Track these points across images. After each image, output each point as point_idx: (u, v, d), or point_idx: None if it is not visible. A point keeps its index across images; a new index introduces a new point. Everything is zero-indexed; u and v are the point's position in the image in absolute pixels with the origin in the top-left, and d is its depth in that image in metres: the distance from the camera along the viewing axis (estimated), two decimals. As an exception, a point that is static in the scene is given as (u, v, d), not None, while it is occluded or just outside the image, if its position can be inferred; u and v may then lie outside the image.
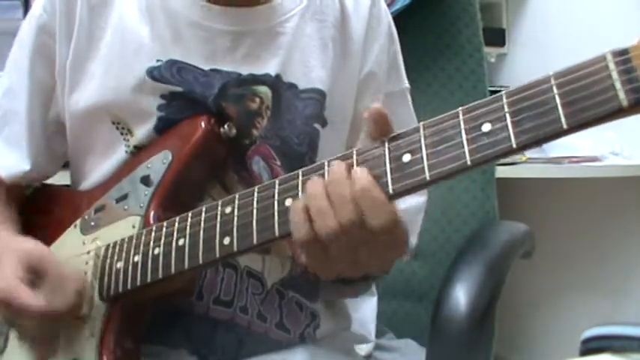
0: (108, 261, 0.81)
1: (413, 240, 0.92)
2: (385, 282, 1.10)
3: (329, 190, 0.62)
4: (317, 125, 0.89)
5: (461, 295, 0.93)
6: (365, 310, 1.04)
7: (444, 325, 0.93)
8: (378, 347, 1.08)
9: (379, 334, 1.13)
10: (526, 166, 1.71)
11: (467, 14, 1.30)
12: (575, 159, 1.79)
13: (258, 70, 0.87)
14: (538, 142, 0.56)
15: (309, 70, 0.89)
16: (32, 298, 0.76)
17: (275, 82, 0.87)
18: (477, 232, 1.21)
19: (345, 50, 0.91)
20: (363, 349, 1.04)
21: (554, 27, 2.12)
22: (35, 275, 0.79)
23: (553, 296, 2.10)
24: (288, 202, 0.67)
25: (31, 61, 0.92)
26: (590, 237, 2.00)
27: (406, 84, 0.98)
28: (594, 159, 1.81)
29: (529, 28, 2.19)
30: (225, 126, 0.84)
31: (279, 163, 0.87)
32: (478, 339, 0.93)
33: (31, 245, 0.82)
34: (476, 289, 0.94)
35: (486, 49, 1.36)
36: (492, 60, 2.16)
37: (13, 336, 0.87)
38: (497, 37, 2.17)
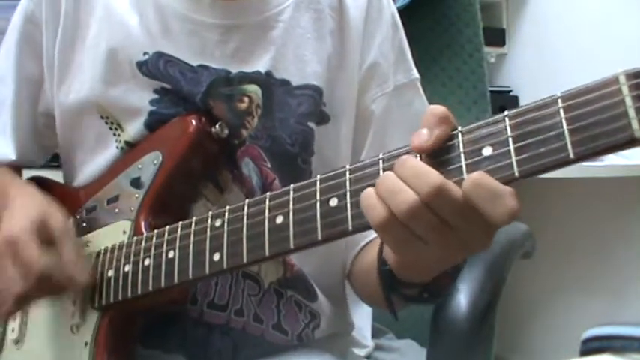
0: (99, 268, 0.80)
1: None
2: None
3: (398, 173, 0.55)
4: (311, 124, 0.85)
5: (461, 295, 0.93)
6: (360, 315, 1.04)
7: (444, 325, 0.92)
8: (378, 347, 1.08)
9: (379, 334, 1.12)
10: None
11: (467, 14, 1.30)
12: (575, 159, 1.78)
13: (248, 67, 0.84)
14: (542, 172, 0.51)
15: (304, 65, 0.86)
16: (40, 257, 0.73)
17: (265, 80, 0.84)
18: (477, 232, 1.20)
19: (343, 41, 0.88)
20: (362, 350, 1.03)
21: (554, 27, 2.12)
22: (49, 238, 0.76)
23: (553, 296, 2.11)
24: (279, 219, 0.64)
25: (18, 50, 0.91)
26: (590, 237, 2.00)
27: (415, 74, 0.93)
28: (594, 159, 1.81)
29: (529, 28, 2.19)
30: (217, 126, 0.82)
31: (269, 165, 0.85)
32: (478, 339, 0.93)
33: (54, 211, 0.79)
34: (476, 289, 0.94)
35: (486, 49, 1.36)
36: (492, 60, 2.16)
37: (9, 336, 0.87)
38: (497, 37, 2.17)
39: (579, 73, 2.05)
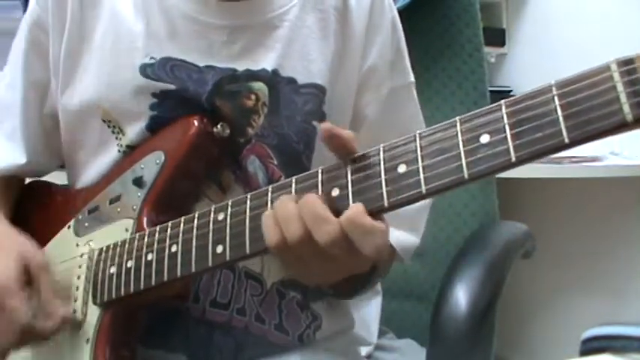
0: (101, 265, 0.81)
1: (417, 239, 0.91)
2: (385, 282, 1.10)
3: (298, 203, 0.63)
4: (315, 122, 0.86)
5: (461, 295, 0.93)
6: (369, 310, 1.03)
7: (444, 325, 0.92)
8: (378, 347, 1.08)
9: (379, 334, 1.12)
10: (526, 166, 1.70)
11: (467, 14, 1.30)
12: (575, 159, 1.79)
13: (255, 65, 0.85)
14: (538, 156, 0.53)
15: (309, 64, 0.86)
16: (23, 306, 0.76)
17: (272, 78, 0.85)
18: (477, 232, 1.21)
19: (345, 42, 0.88)
20: (363, 350, 1.03)
21: (554, 27, 2.12)
22: (29, 282, 0.78)
23: (553, 296, 2.10)
24: None
25: (25, 56, 0.92)
26: (590, 237, 2.00)
27: (411, 78, 0.94)
28: (594, 159, 1.81)
29: (529, 28, 2.19)
30: (219, 126, 0.82)
31: (275, 162, 0.85)
32: (478, 339, 0.93)
33: (32, 250, 0.81)
34: (476, 289, 0.94)
35: (486, 49, 1.35)
36: (492, 60, 2.16)
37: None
38: (497, 37, 2.17)
39: (579, 73, 2.05)
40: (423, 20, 1.32)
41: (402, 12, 0.96)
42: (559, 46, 2.07)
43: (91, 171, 0.89)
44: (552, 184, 1.93)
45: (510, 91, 2.14)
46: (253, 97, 0.84)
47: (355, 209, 0.60)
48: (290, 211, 0.62)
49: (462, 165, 0.56)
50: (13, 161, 0.92)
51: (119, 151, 0.87)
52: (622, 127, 0.50)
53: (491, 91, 1.32)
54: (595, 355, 0.47)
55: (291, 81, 0.85)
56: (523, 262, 1.10)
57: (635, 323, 0.48)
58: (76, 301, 0.82)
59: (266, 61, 0.85)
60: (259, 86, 0.84)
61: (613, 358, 0.47)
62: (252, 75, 0.84)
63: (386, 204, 0.60)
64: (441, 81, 1.32)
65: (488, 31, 1.44)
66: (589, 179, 1.82)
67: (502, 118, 0.55)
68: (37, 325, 0.76)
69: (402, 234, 0.86)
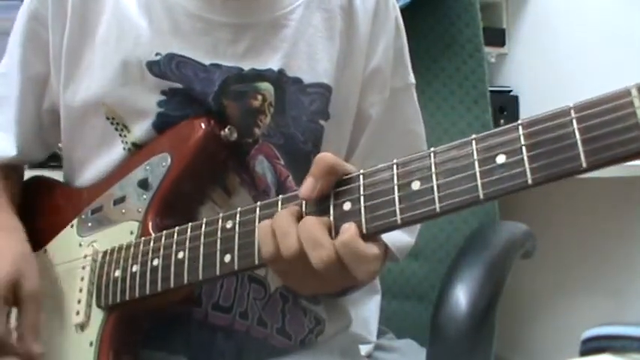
0: (105, 268, 0.80)
1: (412, 239, 0.92)
2: (385, 282, 1.10)
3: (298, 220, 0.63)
4: (322, 121, 0.86)
5: (461, 295, 0.93)
6: (368, 308, 1.03)
7: (444, 325, 0.92)
8: (378, 347, 1.07)
9: (379, 334, 1.12)
10: (526, 166, 1.71)
11: (467, 14, 1.30)
12: (575, 159, 1.78)
13: (261, 65, 0.84)
14: (555, 180, 0.53)
15: (316, 63, 0.86)
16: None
17: (278, 78, 0.84)
18: (477, 232, 1.20)
19: (350, 43, 0.88)
20: (363, 349, 1.03)
21: (554, 27, 2.12)
22: (16, 303, 0.78)
23: (553, 296, 2.11)
24: None
25: (22, 48, 0.91)
26: (591, 237, 2.00)
27: (411, 79, 0.94)
28: (594, 159, 1.80)
29: (529, 28, 2.19)
30: (226, 129, 0.82)
31: (282, 162, 0.85)
32: (478, 339, 0.93)
33: (27, 270, 0.80)
34: (476, 289, 0.94)
35: (486, 49, 1.35)
36: (492, 60, 2.16)
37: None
38: (497, 37, 2.17)
39: (580, 73, 2.05)
40: (424, 20, 1.32)
41: (402, 12, 0.96)
42: (559, 46, 2.07)
43: (94, 169, 0.88)
44: (552, 184, 1.92)
45: (510, 91, 2.14)
46: (260, 97, 0.84)
47: (349, 233, 0.60)
48: (288, 227, 0.62)
49: (477, 185, 0.55)
50: (3, 153, 0.92)
51: (124, 149, 0.86)
52: None
53: (491, 91, 1.32)
54: (595, 355, 0.47)
55: (297, 81, 0.85)
56: (523, 262, 1.10)
57: (635, 323, 0.48)
58: (79, 302, 0.81)
59: (272, 61, 0.84)
60: (265, 86, 0.84)
61: (613, 358, 0.46)
62: (259, 75, 0.84)
63: (399, 221, 0.59)
64: (441, 81, 1.31)
65: (488, 31, 1.44)
66: (589, 179, 1.81)
67: (519, 139, 0.54)
68: (9, 344, 0.76)
69: (397, 233, 0.86)
